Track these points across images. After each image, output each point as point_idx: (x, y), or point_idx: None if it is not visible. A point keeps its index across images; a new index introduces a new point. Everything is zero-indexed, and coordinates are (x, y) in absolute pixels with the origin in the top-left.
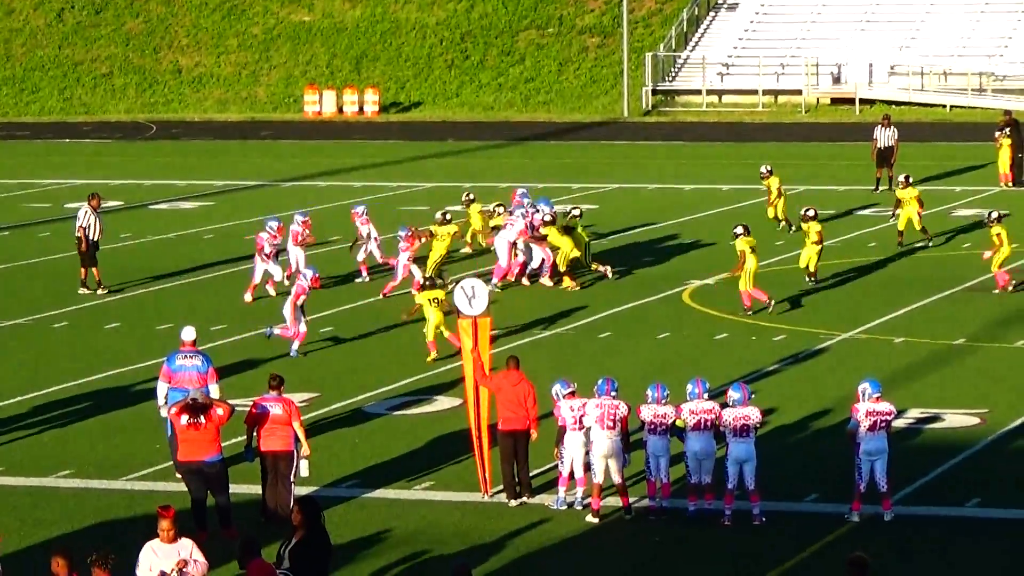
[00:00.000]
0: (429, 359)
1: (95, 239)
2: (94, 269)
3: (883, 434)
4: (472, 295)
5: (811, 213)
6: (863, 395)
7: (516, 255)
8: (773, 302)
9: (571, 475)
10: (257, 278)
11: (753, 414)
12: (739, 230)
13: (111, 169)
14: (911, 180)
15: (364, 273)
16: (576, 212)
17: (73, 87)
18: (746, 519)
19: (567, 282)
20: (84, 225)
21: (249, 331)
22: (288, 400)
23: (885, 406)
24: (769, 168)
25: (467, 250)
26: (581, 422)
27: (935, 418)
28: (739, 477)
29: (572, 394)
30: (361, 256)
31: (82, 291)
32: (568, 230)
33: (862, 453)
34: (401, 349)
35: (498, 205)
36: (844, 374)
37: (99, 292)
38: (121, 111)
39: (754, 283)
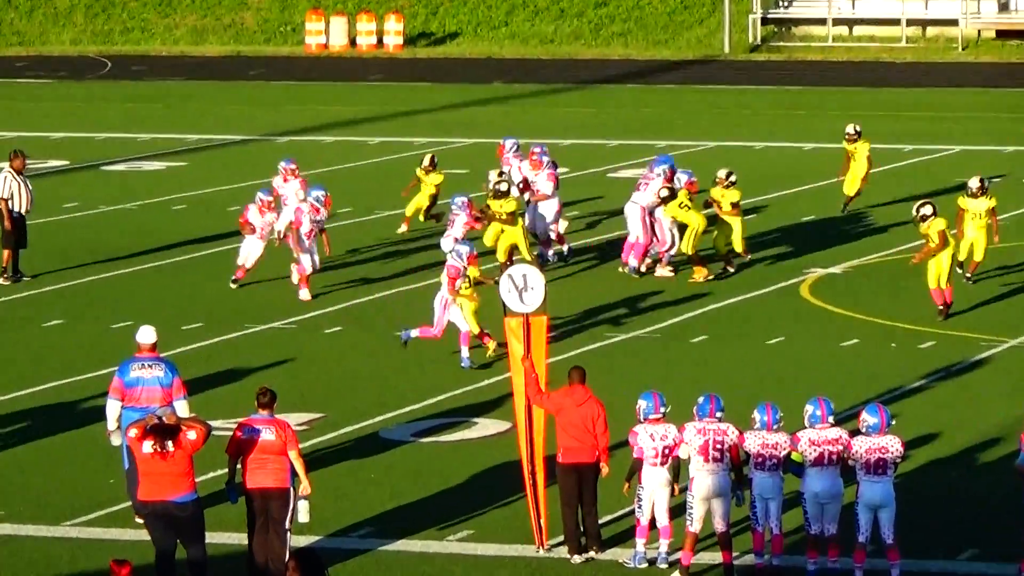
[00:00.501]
0: (489, 353)
1: (20, 211)
2: (6, 252)
3: None
4: (524, 286)
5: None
6: None
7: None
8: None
9: (652, 523)
10: (308, 267)
11: (892, 445)
12: (927, 210)
13: (52, 118)
14: None
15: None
16: (725, 174)
17: (3, 11)
18: None
19: (698, 273)
20: (5, 196)
21: (233, 331)
22: (282, 423)
23: None
24: (858, 128)
25: (403, 229)
26: (665, 455)
27: None
28: (873, 527)
29: (661, 418)
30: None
31: (2, 281)
32: (706, 205)
33: None
34: (429, 356)
35: (500, 175)
36: (1012, 392)
37: (2, 281)
38: (66, 42)
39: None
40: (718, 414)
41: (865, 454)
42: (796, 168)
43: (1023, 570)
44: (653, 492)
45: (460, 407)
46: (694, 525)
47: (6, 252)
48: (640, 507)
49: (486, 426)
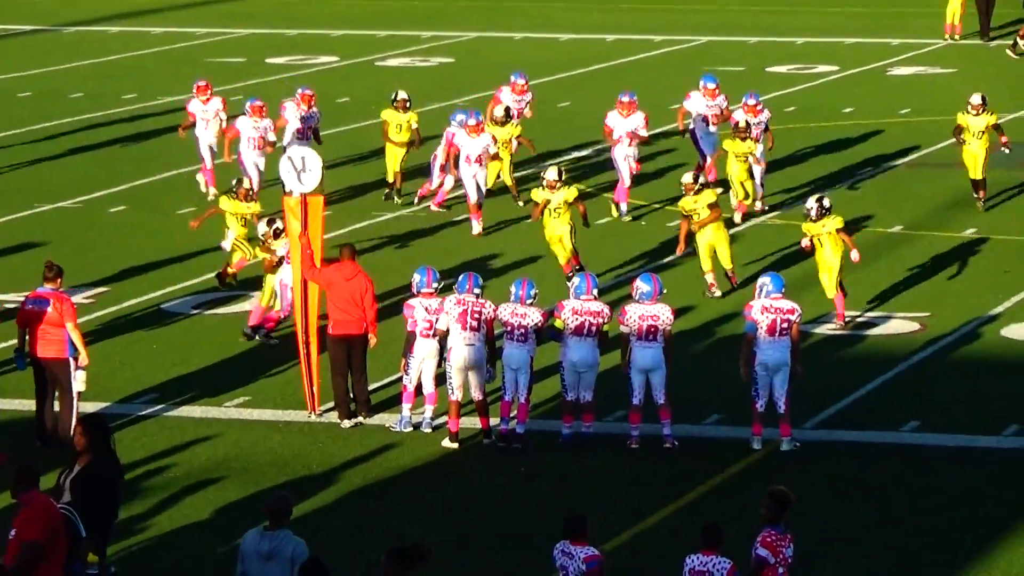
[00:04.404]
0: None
1: None
2: None
3: (786, 341)
4: (302, 167)
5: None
6: (760, 292)
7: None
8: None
9: (418, 390)
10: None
11: (663, 313)
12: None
13: None
14: None
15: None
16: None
17: None
18: (654, 443)
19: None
20: None
21: (22, 210)
22: (61, 296)
23: (786, 304)
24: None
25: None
26: (436, 327)
27: (869, 324)
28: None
29: (433, 292)
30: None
31: None
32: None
33: (758, 365)
34: (205, 233)
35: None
36: (757, 266)
37: None
38: None
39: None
40: (475, 290)
41: (638, 320)
42: (553, 59)
43: (754, 434)
44: (422, 361)
45: (238, 282)
46: (455, 394)
47: None
48: (408, 374)
49: (257, 298)
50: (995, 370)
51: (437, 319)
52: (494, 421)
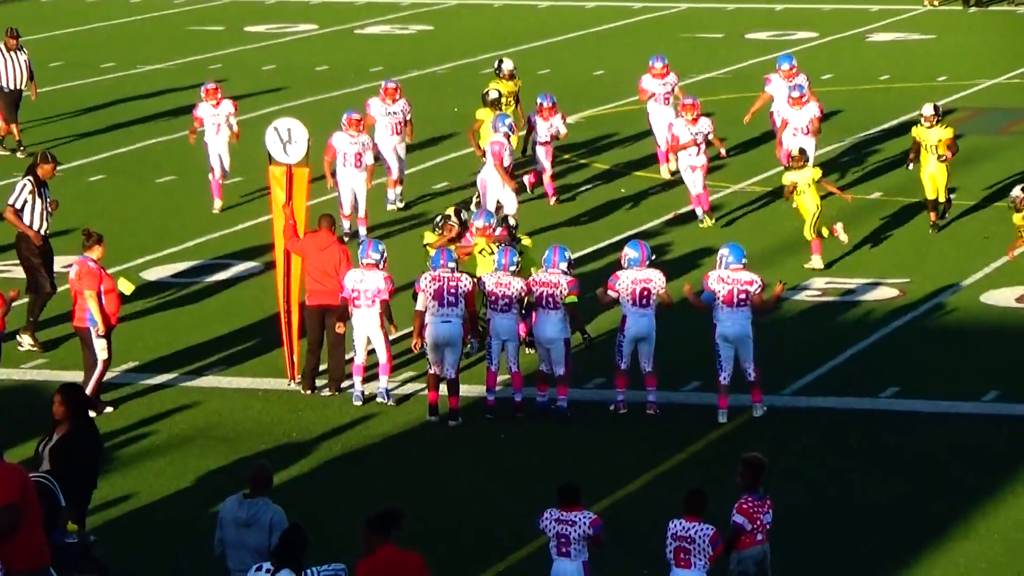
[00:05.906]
0: None
1: (10, 87)
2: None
3: (745, 312)
4: (288, 139)
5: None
6: (720, 263)
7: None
8: None
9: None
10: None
11: (655, 277)
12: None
13: None
14: None
15: None
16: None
17: None
18: (635, 410)
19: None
20: None
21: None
22: (83, 263)
23: (745, 275)
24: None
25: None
26: (371, 298)
27: (849, 290)
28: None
29: (374, 264)
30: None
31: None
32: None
33: (718, 336)
34: (190, 200)
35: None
36: (725, 234)
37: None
38: None
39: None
40: (450, 264)
41: (631, 284)
42: (532, 24)
43: (720, 407)
44: (362, 332)
45: (215, 252)
46: (432, 368)
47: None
48: (355, 348)
49: (240, 267)
50: (974, 335)
51: (378, 292)
52: (478, 391)
